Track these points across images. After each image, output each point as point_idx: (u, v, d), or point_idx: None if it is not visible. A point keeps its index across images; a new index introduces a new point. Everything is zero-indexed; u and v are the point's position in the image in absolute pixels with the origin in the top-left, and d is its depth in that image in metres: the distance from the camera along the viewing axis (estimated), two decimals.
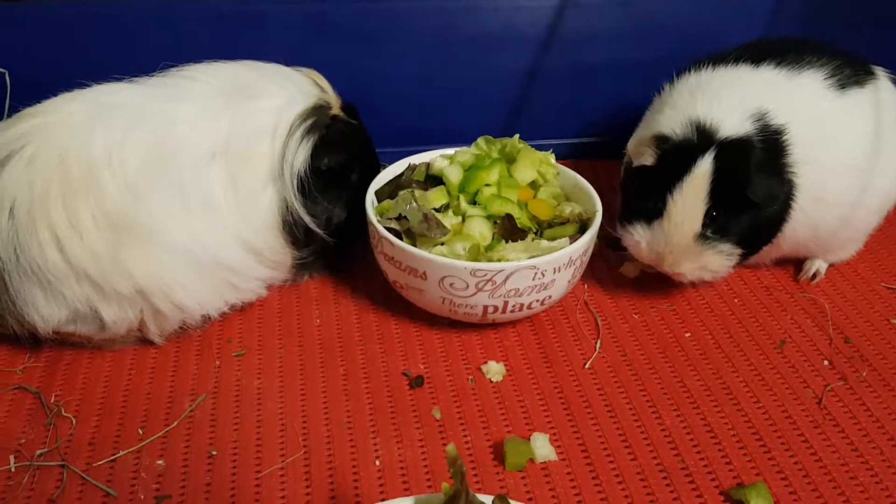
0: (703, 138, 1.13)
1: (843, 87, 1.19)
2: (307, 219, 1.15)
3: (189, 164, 1.07)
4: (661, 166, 1.16)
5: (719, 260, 1.16)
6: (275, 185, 1.13)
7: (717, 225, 1.14)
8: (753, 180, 1.11)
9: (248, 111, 1.12)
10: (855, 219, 1.25)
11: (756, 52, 1.23)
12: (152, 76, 1.14)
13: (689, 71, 1.26)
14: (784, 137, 1.14)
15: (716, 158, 1.11)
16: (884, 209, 1.29)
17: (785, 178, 1.15)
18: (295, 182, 1.13)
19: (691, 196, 1.12)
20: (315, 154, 1.15)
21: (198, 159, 1.08)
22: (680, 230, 1.14)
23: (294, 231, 1.16)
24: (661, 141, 1.16)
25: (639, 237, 1.19)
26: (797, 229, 1.21)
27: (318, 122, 1.16)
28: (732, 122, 1.14)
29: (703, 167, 1.11)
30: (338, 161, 1.18)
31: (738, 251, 1.16)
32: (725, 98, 1.17)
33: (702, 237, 1.14)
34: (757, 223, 1.15)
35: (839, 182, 1.20)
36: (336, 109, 1.21)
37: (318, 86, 1.20)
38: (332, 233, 1.20)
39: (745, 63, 1.22)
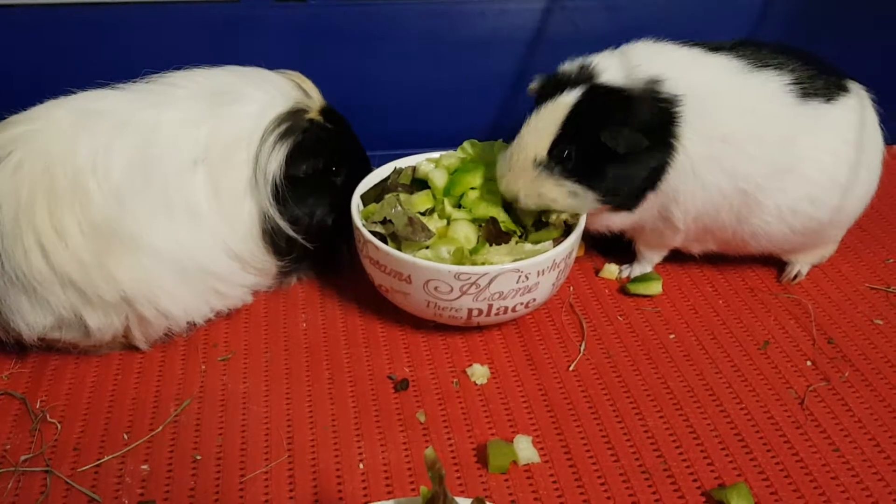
0: (581, 76, 1.15)
1: (805, 97, 1.17)
2: (284, 225, 1.15)
3: (172, 172, 1.08)
4: (541, 94, 1.18)
5: (558, 193, 1.15)
6: (253, 193, 1.13)
7: (567, 164, 1.14)
8: (612, 126, 1.10)
9: (226, 117, 1.12)
10: (822, 230, 1.25)
11: (725, 45, 1.22)
12: (136, 82, 1.14)
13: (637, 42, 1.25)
14: (675, 108, 1.13)
15: (585, 94, 1.13)
16: (847, 224, 1.29)
17: (660, 139, 1.13)
18: (270, 190, 1.13)
19: (543, 121, 1.14)
20: (290, 161, 1.14)
21: (181, 166, 1.08)
22: (522, 151, 1.15)
23: (275, 239, 1.16)
24: (552, 73, 1.19)
25: (501, 157, 1.20)
26: (721, 218, 1.20)
27: (293, 128, 1.15)
28: (616, 74, 1.14)
29: (567, 98, 1.13)
30: (315, 167, 1.17)
31: (591, 195, 1.15)
32: (629, 57, 1.17)
33: (544, 167, 1.14)
34: (616, 174, 1.14)
35: (777, 189, 1.18)
36: (314, 113, 1.20)
37: (300, 88, 1.20)
38: (314, 238, 1.20)
39: (702, 47, 1.22)
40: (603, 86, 1.14)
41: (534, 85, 1.22)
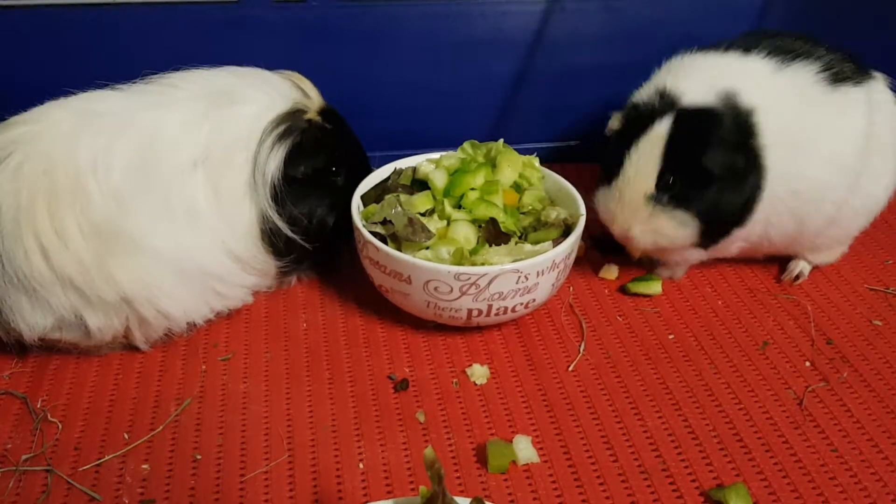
0: (664, 103, 1.16)
1: (836, 83, 1.19)
2: (283, 226, 1.16)
3: (172, 173, 1.08)
4: (625, 130, 1.20)
5: (671, 226, 1.17)
6: (252, 193, 1.13)
7: (673, 191, 1.15)
8: (711, 148, 1.12)
9: (226, 118, 1.12)
10: (841, 219, 1.25)
11: (750, 41, 1.23)
12: (136, 83, 1.14)
13: (680, 55, 1.27)
14: (753, 118, 1.15)
15: (675, 122, 1.14)
16: (871, 213, 1.29)
17: (750, 157, 1.15)
18: (268, 191, 1.13)
19: (645, 155, 1.15)
20: (289, 162, 1.14)
21: (181, 168, 1.09)
22: (631, 187, 1.16)
23: (274, 240, 1.16)
24: (629, 107, 1.21)
25: (600, 197, 1.22)
26: (781, 220, 1.21)
27: (291, 129, 1.16)
28: (697, 94, 1.15)
29: (660, 129, 1.14)
30: (314, 167, 1.17)
31: (697, 223, 1.16)
32: (697, 74, 1.18)
33: (655, 199, 1.16)
34: (718, 198, 1.15)
35: (819, 176, 1.19)
36: (313, 114, 1.20)
37: (299, 89, 1.20)
38: (313, 239, 1.20)
39: (735, 50, 1.23)
40: (689, 109, 1.15)
41: (614, 123, 1.23)
